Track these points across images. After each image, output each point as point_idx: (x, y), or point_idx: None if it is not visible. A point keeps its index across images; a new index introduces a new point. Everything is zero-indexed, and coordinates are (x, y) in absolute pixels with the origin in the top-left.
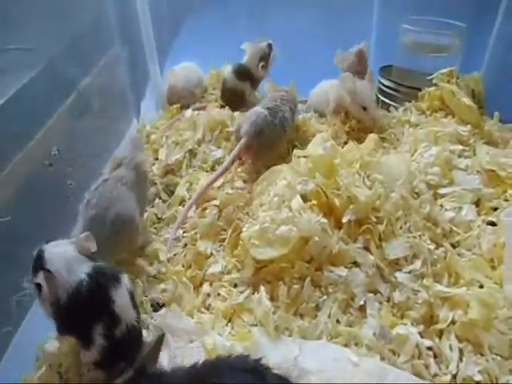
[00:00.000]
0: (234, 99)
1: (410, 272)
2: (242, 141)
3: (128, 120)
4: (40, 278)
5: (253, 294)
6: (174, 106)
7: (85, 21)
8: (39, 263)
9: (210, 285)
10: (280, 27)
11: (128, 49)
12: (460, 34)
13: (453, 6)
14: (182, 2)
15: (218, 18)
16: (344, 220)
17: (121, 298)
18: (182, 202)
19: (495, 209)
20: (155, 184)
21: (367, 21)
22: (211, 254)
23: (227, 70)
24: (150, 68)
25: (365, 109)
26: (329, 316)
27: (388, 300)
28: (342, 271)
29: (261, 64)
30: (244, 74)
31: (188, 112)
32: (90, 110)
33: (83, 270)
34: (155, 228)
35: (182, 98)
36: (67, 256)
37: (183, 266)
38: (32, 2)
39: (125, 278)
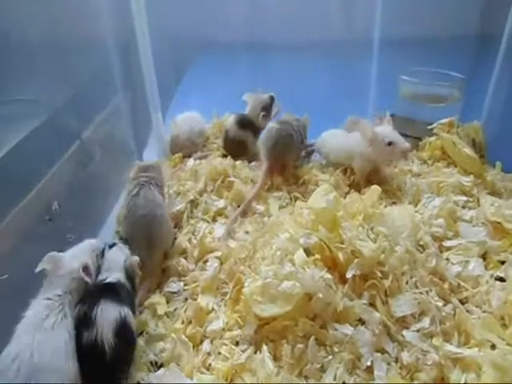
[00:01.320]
0: (237, 148)
1: (418, 331)
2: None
3: (130, 169)
4: None
5: (255, 353)
6: (176, 155)
7: (88, 71)
8: None
9: (211, 342)
10: (282, 76)
11: (131, 97)
12: (459, 85)
13: (451, 57)
14: (185, 50)
15: (221, 66)
16: (348, 275)
17: None
18: (182, 253)
19: (502, 262)
20: None
21: (368, 69)
22: (212, 309)
23: (229, 121)
24: (153, 117)
25: (390, 144)
26: (335, 378)
27: (396, 361)
28: (348, 329)
29: (262, 114)
30: (246, 123)
31: (190, 162)
32: (92, 160)
33: None
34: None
35: (185, 148)
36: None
37: (183, 323)
38: (36, 53)
39: None
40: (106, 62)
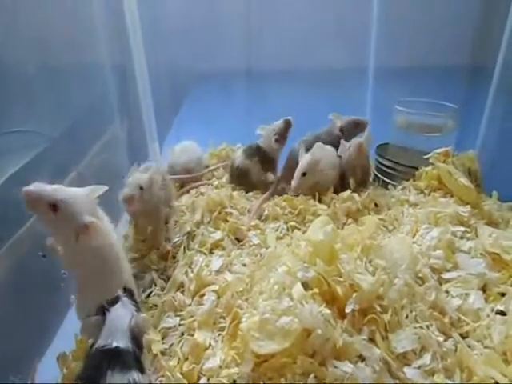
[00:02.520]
0: (239, 178)
1: (419, 367)
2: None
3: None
4: None
5: None
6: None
7: (85, 100)
8: None
9: (208, 380)
10: (279, 104)
11: (127, 127)
12: (453, 114)
13: (445, 86)
14: (183, 80)
15: (218, 95)
16: (347, 310)
17: None
18: (179, 288)
19: (503, 294)
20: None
21: (363, 98)
22: (209, 344)
23: (238, 151)
24: (150, 147)
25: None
26: None
27: None
28: (348, 367)
29: (275, 137)
30: (253, 152)
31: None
32: None
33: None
34: (152, 316)
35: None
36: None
37: (179, 361)
38: (32, 84)
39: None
40: (104, 91)
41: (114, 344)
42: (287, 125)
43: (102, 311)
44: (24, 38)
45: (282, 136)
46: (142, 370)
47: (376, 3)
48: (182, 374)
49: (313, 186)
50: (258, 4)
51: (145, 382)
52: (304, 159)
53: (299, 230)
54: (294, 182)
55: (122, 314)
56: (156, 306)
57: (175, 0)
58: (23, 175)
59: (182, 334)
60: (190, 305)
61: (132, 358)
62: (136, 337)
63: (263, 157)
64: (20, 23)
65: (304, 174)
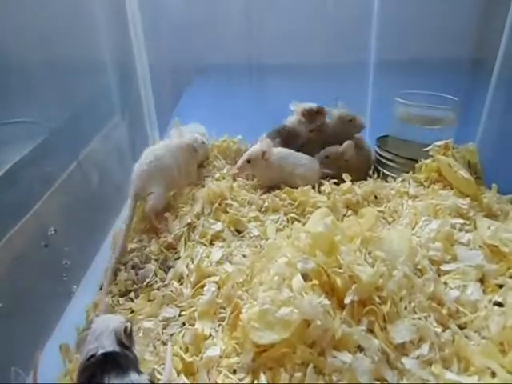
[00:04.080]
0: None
1: (417, 358)
2: None
3: (127, 191)
4: None
5: (253, 381)
6: None
7: (86, 92)
8: None
9: (208, 370)
10: (279, 97)
11: (128, 118)
12: (454, 107)
13: (446, 79)
14: (183, 72)
15: (218, 88)
16: (346, 301)
17: None
18: (180, 279)
19: (500, 286)
20: (155, 260)
21: (364, 91)
22: (210, 334)
23: None
24: (150, 137)
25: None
26: None
27: None
28: (347, 357)
29: (299, 119)
30: (273, 132)
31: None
32: (89, 182)
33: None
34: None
35: None
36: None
37: (180, 349)
38: (34, 75)
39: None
40: (105, 84)
41: (101, 350)
42: (319, 111)
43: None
44: (27, 32)
45: (309, 119)
46: (137, 369)
47: None
48: (183, 364)
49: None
50: None
51: (144, 381)
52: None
53: (299, 221)
54: (237, 164)
55: (107, 319)
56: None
57: None
58: (24, 165)
59: (183, 324)
60: (190, 295)
61: (125, 358)
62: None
63: (286, 136)
64: (23, 17)
65: (248, 161)
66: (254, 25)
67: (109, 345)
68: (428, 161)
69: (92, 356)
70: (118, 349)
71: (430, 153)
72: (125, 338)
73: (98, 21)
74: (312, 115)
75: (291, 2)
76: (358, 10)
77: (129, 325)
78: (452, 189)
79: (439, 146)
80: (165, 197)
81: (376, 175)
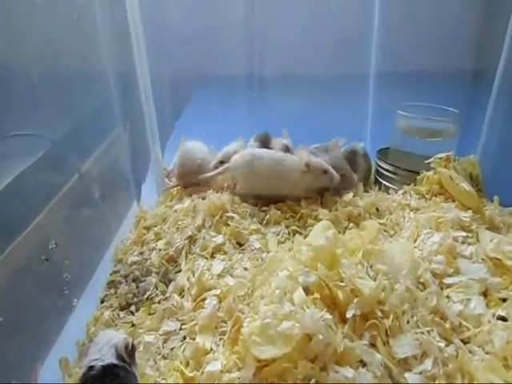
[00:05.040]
0: None
1: (420, 373)
2: None
3: (128, 203)
4: None
5: None
6: (175, 188)
7: (89, 105)
8: None
9: None
10: (280, 109)
11: (130, 131)
12: (454, 119)
13: (446, 91)
14: (185, 85)
15: (220, 100)
16: (348, 315)
17: None
18: (181, 292)
19: (504, 300)
20: (156, 273)
21: (365, 103)
22: (211, 349)
23: None
24: (152, 150)
25: (325, 172)
26: None
27: None
28: (349, 372)
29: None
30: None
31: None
32: (90, 194)
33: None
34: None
35: (190, 175)
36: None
37: (181, 363)
38: (36, 87)
39: None
40: (107, 96)
41: (101, 363)
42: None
43: None
44: (29, 44)
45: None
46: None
47: (377, 8)
48: (184, 378)
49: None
50: (261, 10)
51: None
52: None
53: (300, 234)
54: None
55: (110, 334)
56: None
57: (178, 6)
58: (26, 178)
59: (184, 337)
60: (191, 309)
61: (125, 372)
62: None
63: None
64: (24, 30)
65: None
66: (255, 37)
67: (108, 358)
68: (429, 173)
69: (91, 368)
70: (117, 362)
71: (432, 165)
72: (125, 354)
73: (99, 33)
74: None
75: (292, 15)
76: (359, 22)
77: (130, 341)
78: (454, 201)
79: (440, 159)
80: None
81: (377, 187)
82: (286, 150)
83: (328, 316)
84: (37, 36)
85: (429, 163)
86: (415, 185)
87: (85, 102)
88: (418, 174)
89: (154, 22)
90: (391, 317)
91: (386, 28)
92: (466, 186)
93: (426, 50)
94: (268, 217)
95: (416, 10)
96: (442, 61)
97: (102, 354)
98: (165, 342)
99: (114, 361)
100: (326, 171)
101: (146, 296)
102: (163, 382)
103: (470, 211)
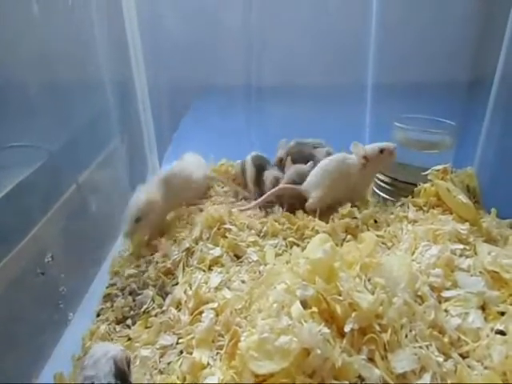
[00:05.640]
0: None
1: None
2: None
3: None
4: None
5: None
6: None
7: (86, 116)
8: None
9: None
10: (278, 119)
11: (127, 142)
12: (451, 131)
13: (443, 102)
14: (183, 95)
15: (218, 111)
16: (346, 329)
17: None
18: (178, 306)
19: (502, 313)
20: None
21: (363, 114)
22: (208, 363)
23: None
24: (149, 161)
25: (382, 151)
26: None
27: None
28: None
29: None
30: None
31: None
32: (87, 206)
33: None
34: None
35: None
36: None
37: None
38: (33, 98)
39: None
40: (105, 107)
41: (97, 382)
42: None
43: None
44: (26, 55)
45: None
46: None
47: (374, 20)
48: None
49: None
50: (259, 20)
51: None
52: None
53: (298, 245)
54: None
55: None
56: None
57: (176, 16)
58: (22, 190)
59: (181, 352)
60: (188, 322)
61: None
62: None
63: None
64: (22, 40)
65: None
66: (253, 47)
67: (106, 373)
68: (427, 185)
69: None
70: (113, 381)
71: (429, 177)
72: (126, 368)
73: (97, 42)
74: None
75: (291, 25)
76: (356, 32)
77: (129, 354)
78: (451, 213)
79: (438, 171)
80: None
81: (375, 199)
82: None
83: (326, 330)
84: (34, 46)
85: (426, 175)
86: (413, 197)
87: (82, 113)
88: (416, 185)
89: (151, 31)
90: (389, 331)
91: (382, 39)
92: (463, 198)
93: (423, 62)
94: (265, 228)
95: (413, 22)
96: (438, 72)
97: (99, 369)
98: (161, 356)
99: (112, 380)
100: (382, 150)
101: (142, 309)
102: None
103: (468, 223)
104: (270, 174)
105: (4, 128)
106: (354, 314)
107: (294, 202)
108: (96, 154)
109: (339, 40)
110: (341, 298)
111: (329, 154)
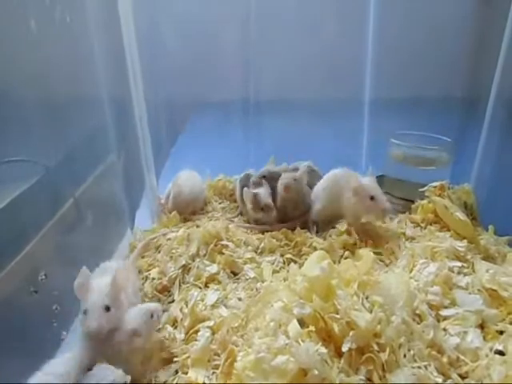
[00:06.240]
0: None
1: None
2: None
3: (122, 231)
4: None
5: None
6: (173, 213)
7: (83, 132)
8: None
9: None
10: (276, 135)
11: (124, 158)
12: (447, 148)
13: (440, 118)
14: (180, 111)
15: (215, 126)
16: (344, 349)
17: None
18: (174, 323)
19: (501, 332)
20: None
21: (360, 129)
22: (203, 383)
23: None
24: (146, 177)
25: (372, 198)
26: None
27: None
28: None
29: None
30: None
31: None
32: (83, 221)
33: None
34: None
35: (187, 206)
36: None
37: None
38: (30, 113)
39: None
40: (101, 122)
41: None
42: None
43: None
44: (23, 70)
45: None
46: None
47: (371, 36)
48: None
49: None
50: (257, 35)
51: None
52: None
53: (295, 262)
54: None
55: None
56: None
57: (174, 32)
58: (19, 204)
59: (176, 371)
60: (183, 341)
61: None
62: None
63: None
64: (20, 55)
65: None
66: (250, 63)
67: None
68: (424, 202)
69: None
70: None
71: (426, 194)
72: None
73: (95, 58)
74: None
75: (288, 41)
76: (353, 48)
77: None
78: (449, 230)
79: (435, 187)
80: None
81: None
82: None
83: (323, 350)
84: (31, 61)
85: (423, 191)
86: (410, 213)
87: (79, 128)
88: (413, 202)
89: (149, 47)
90: (387, 350)
91: (379, 55)
92: (460, 215)
93: (420, 77)
94: (263, 245)
95: (409, 38)
96: (435, 88)
97: None
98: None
99: None
100: (372, 197)
101: None
102: None
103: (465, 241)
104: (247, 192)
105: (1, 143)
106: (351, 333)
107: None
108: (93, 169)
109: (337, 55)
110: (338, 316)
111: (310, 168)
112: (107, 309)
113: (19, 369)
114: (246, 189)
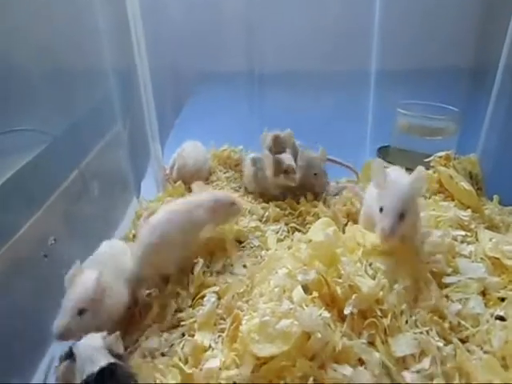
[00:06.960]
0: None
1: (418, 372)
2: None
3: (128, 200)
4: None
5: None
6: (178, 182)
7: (88, 102)
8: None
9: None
10: (281, 107)
11: (129, 127)
12: (454, 118)
13: (447, 89)
14: (185, 82)
15: (220, 97)
16: (346, 312)
17: None
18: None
19: (502, 299)
20: None
21: (366, 100)
22: (210, 346)
23: None
24: (151, 147)
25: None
26: None
27: None
28: (347, 370)
29: None
30: None
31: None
32: (90, 190)
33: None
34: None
35: (191, 176)
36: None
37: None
38: (36, 83)
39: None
40: (107, 93)
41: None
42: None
43: (71, 354)
44: (29, 40)
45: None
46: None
47: (378, 6)
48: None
49: None
50: (261, 6)
51: None
52: None
53: (299, 231)
54: None
55: (89, 341)
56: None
57: (178, 4)
58: (25, 174)
59: (183, 334)
60: (190, 306)
61: (121, 371)
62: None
63: None
64: (25, 26)
65: None
66: (255, 33)
67: (101, 360)
68: (429, 171)
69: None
70: (112, 360)
71: (431, 164)
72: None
73: (99, 29)
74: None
75: (292, 12)
76: (360, 19)
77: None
78: (453, 200)
79: (440, 157)
80: None
81: None
82: None
83: (326, 314)
84: (37, 33)
85: (429, 161)
86: None
87: (85, 99)
88: None
89: (154, 18)
90: (390, 316)
91: (386, 26)
92: (465, 184)
93: (427, 48)
94: (267, 214)
95: (417, 8)
96: (442, 59)
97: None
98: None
99: (110, 359)
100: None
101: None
102: (162, 378)
103: (470, 210)
104: (268, 155)
105: (7, 113)
106: (354, 297)
107: None
108: (98, 139)
109: (343, 26)
110: (341, 280)
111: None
112: (80, 312)
113: (30, 336)
114: (267, 152)
